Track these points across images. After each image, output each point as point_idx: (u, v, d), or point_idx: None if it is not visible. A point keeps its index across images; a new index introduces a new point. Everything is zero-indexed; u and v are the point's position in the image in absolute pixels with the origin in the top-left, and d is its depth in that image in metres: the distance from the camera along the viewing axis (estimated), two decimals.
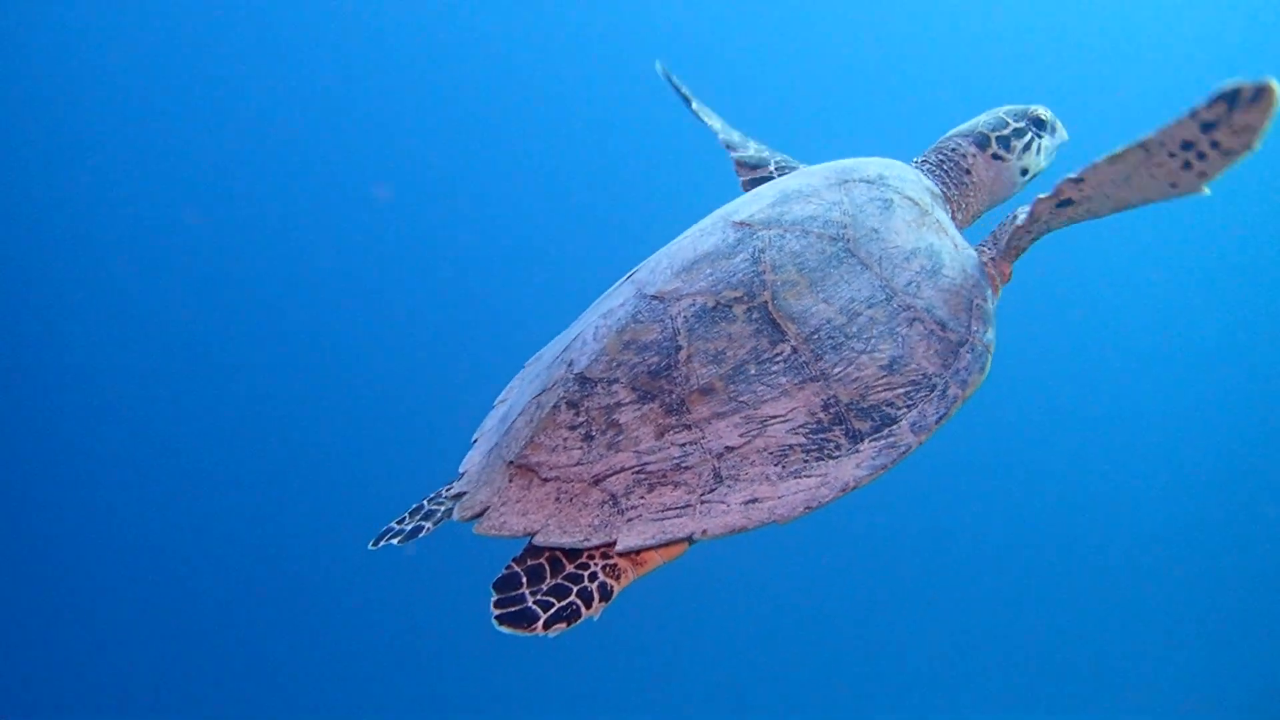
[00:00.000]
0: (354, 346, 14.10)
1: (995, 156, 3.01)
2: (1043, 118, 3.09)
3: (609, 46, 16.22)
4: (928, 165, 3.02)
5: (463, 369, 13.09)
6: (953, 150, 3.03)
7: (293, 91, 14.78)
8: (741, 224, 2.51)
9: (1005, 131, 3.03)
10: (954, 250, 2.56)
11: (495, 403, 2.89)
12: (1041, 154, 3.09)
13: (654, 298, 2.38)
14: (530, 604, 1.94)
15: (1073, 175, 2.26)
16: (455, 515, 2.29)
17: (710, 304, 2.31)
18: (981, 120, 3.12)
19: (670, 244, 2.71)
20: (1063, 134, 3.17)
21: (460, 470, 2.53)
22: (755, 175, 3.29)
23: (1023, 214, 2.56)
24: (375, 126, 15.19)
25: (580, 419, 2.21)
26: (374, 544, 2.49)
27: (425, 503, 2.59)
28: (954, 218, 2.95)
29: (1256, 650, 12.38)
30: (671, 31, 16.41)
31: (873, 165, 2.76)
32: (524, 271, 15.08)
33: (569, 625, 1.92)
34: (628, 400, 2.20)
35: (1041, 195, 2.40)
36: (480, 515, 2.21)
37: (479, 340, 13.90)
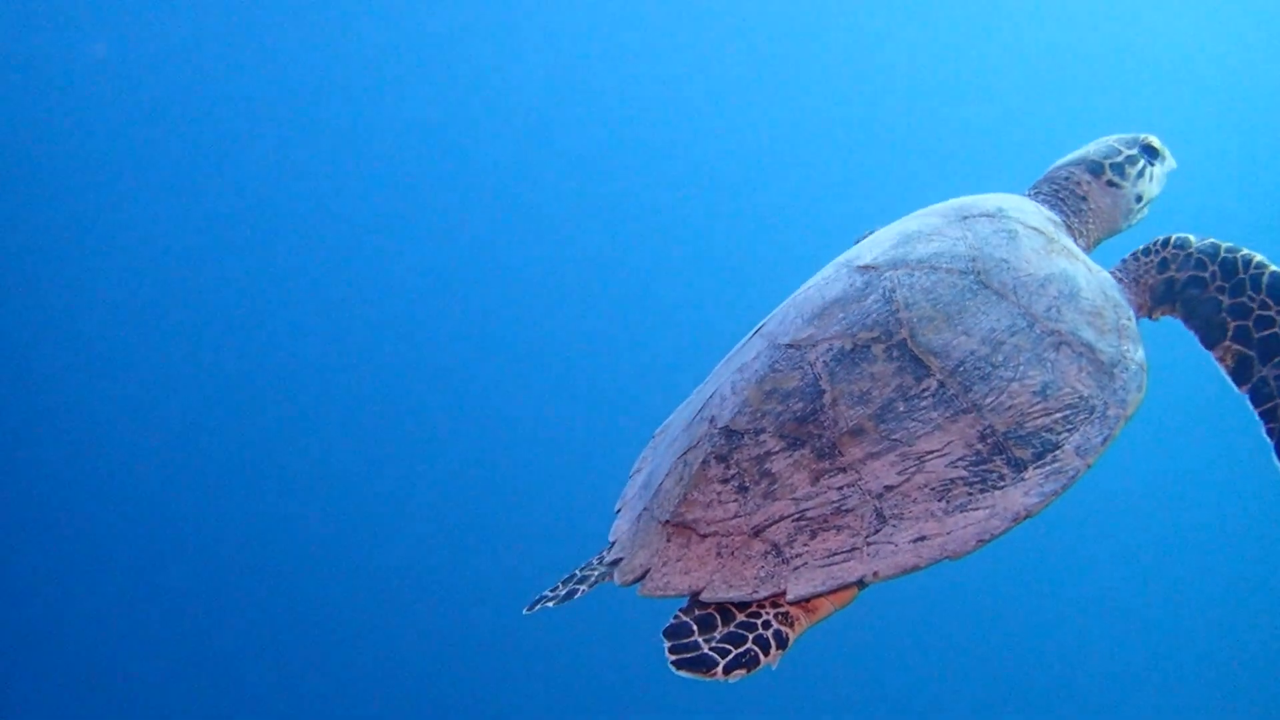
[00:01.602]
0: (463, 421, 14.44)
1: (1110, 184, 3.00)
2: (1153, 145, 3.10)
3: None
4: (1042, 195, 3.01)
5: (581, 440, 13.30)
6: (1066, 179, 3.03)
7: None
8: (866, 268, 2.51)
9: (1118, 159, 3.03)
10: (1088, 273, 2.52)
11: (631, 473, 2.90)
12: (1155, 181, 3.10)
13: (789, 346, 2.38)
14: (706, 650, 1.90)
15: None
16: (616, 579, 2.28)
17: (848, 346, 2.29)
18: (1091, 149, 3.12)
19: (794, 295, 2.72)
20: (1171, 162, 3.16)
21: (610, 539, 2.52)
22: None
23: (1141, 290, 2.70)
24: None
25: (732, 471, 2.19)
26: (528, 609, 2.50)
27: (578, 571, 2.58)
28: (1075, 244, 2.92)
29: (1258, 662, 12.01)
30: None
31: (990, 200, 2.76)
32: (629, 343, 15.21)
33: (748, 672, 1.88)
34: (777, 449, 2.18)
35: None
36: (642, 578, 2.19)
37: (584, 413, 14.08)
